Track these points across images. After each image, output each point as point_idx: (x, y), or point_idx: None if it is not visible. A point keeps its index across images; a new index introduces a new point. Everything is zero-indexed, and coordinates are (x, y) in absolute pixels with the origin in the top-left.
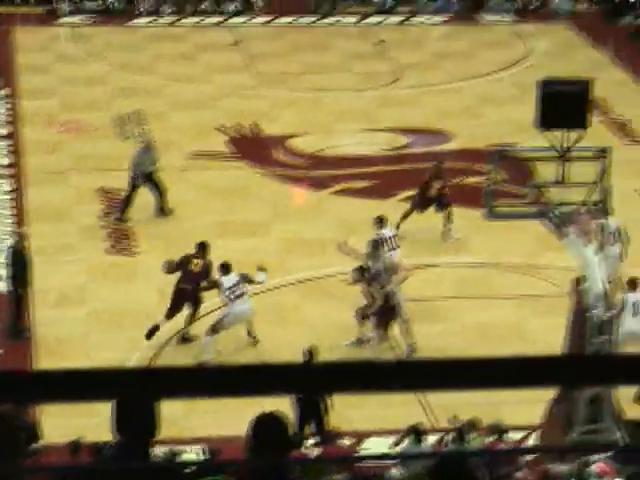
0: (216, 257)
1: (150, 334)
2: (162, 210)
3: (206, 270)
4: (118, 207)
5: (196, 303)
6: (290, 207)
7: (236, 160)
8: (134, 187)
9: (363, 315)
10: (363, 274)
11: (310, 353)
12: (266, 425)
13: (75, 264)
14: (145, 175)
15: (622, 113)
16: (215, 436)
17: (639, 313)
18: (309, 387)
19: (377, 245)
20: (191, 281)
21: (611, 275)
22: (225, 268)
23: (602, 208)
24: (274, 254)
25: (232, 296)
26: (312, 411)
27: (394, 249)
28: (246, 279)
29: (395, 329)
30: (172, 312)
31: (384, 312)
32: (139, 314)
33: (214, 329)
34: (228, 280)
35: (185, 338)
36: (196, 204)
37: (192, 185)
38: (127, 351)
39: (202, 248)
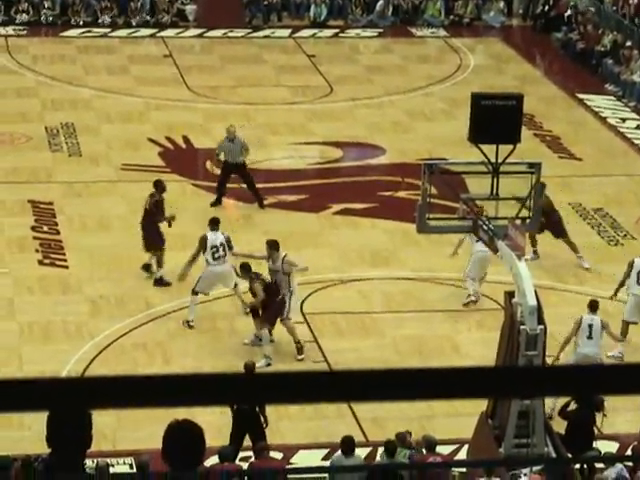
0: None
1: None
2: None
3: (157, 206)
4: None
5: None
6: (221, 219)
7: (167, 173)
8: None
9: (253, 313)
10: (248, 271)
11: (248, 368)
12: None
13: (5, 277)
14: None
15: (553, 128)
16: (144, 449)
17: (592, 337)
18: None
19: (273, 245)
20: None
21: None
22: (216, 223)
23: (533, 222)
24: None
25: (215, 255)
26: (248, 423)
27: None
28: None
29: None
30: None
31: (270, 310)
32: (70, 326)
33: (194, 291)
34: (214, 238)
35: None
36: (126, 217)
37: (123, 197)
38: (59, 363)
39: (156, 185)
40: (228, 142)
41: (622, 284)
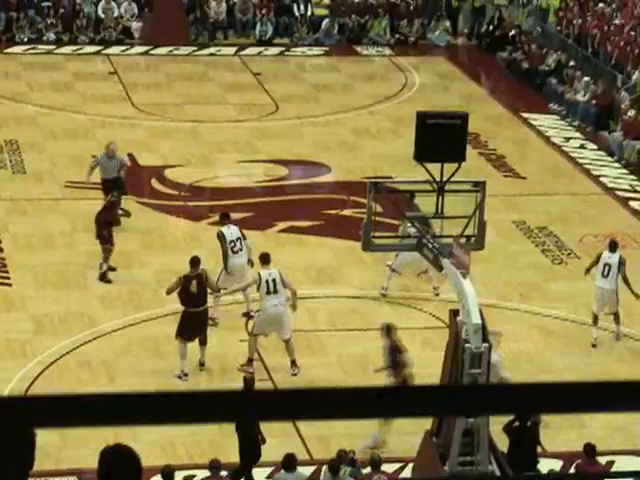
0: (93, 290)
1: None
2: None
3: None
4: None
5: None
6: (167, 238)
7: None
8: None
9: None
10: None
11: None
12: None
13: None
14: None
15: (498, 147)
16: (89, 468)
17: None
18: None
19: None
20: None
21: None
22: (227, 217)
23: (478, 240)
24: (150, 285)
25: (234, 249)
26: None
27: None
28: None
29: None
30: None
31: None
32: (14, 344)
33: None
34: (230, 232)
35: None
36: (71, 234)
37: (67, 215)
38: (2, 382)
39: (118, 185)
40: (107, 159)
41: (588, 271)
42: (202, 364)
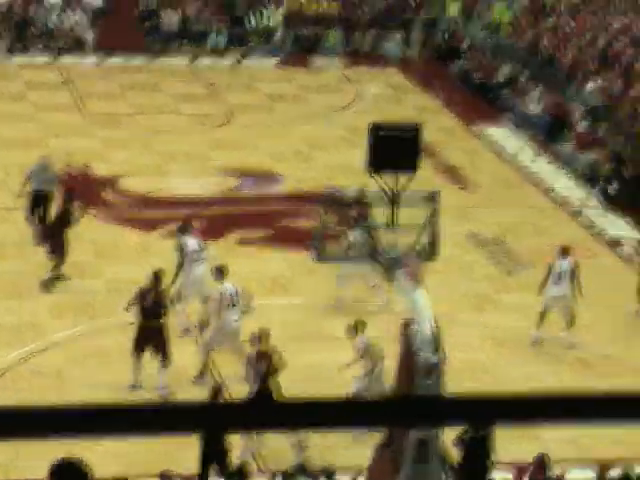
0: (45, 300)
1: None
2: None
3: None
4: None
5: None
6: (120, 248)
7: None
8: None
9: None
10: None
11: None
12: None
13: None
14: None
15: (451, 158)
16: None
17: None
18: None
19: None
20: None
21: (564, 313)
22: (187, 226)
23: (431, 252)
24: (103, 295)
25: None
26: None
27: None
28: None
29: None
30: None
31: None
32: None
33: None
34: (189, 241)
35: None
36: (23, 244)
37: (19, 225)
38: None
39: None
40: (41, 170)
41: (543, 284)
42: (164, 388)
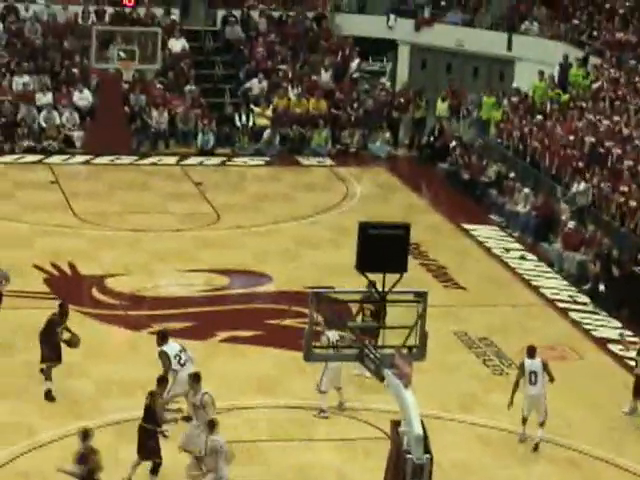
0: (29, 399)
1: None
2: None
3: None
4: None
5: None
6: (107, 347)
7: (52, 299)
8: None
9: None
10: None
11: None
12: None
13: None
14: None
15: (439, 257)
16: None
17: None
18: None
19: (195, 379)
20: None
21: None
22: (165, 335)
23: (419, 352)
24: (90, 394)
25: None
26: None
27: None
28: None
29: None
30: None
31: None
32: None
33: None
34: (171, 348)
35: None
36: (9, 344)
37: (5, 324)
38: None
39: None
40: None
41: (516, 386)
42: None
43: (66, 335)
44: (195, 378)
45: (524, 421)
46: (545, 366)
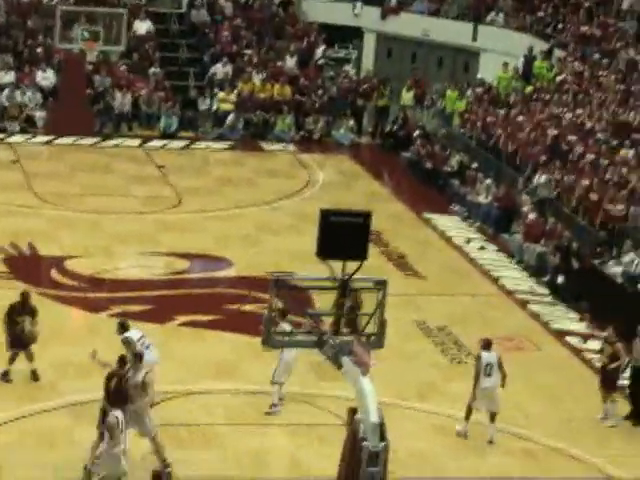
0: None
1: None
2: None
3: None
4: None
5: None
6: (65, 328)
7: (11, 280)
8: None
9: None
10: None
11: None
12: None
13: None
14: None
15: (400, 246)
16: None
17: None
18: None
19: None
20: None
21: (489, 406)
22: (124, 326)
23: (378, 339)
24: (47, 376)
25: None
26: None
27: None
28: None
29: None
30: None
31: None
32: None
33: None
34: (133, 334)
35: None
36: None
37: None
38: None
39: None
40: None
41: (477, 379)
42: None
43: (27, 327)
44: (137, 357)
45: (469, 411)
46: (499, 360)
